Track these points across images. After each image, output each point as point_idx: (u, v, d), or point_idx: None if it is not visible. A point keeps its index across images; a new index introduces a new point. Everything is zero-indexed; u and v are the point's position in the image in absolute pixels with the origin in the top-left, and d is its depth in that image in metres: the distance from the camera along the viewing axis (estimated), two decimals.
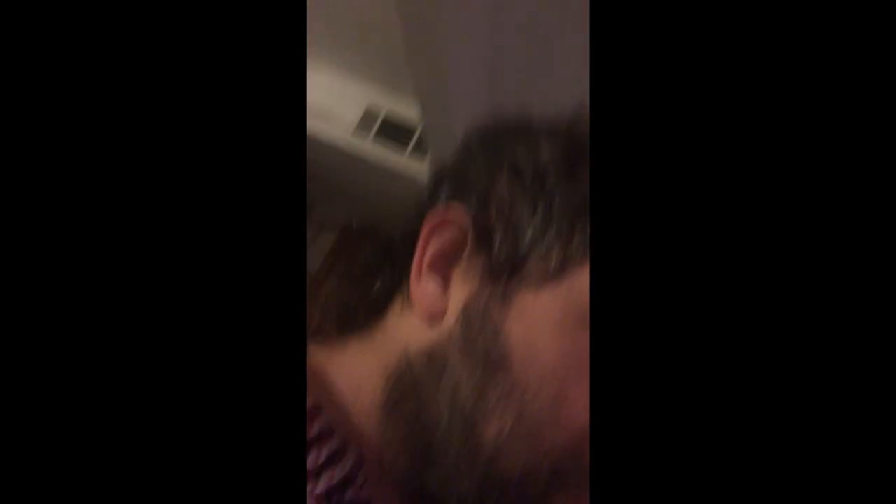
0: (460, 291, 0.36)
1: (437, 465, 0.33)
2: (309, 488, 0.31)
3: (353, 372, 0.37)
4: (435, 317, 0.36)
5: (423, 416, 0.34)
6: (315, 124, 1.42)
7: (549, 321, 0.33)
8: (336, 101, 1.45)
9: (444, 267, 0.37)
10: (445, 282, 0.37)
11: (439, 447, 0.33)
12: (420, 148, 1.37)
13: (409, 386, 0.35)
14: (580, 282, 0.33)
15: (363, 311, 0.41)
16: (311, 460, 0.32)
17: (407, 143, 1.38)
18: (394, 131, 1.41)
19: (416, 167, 1.36)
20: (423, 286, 0.37)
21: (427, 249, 0.37)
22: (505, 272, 0.35)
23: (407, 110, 1.40)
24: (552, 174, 0.36)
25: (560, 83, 0.77)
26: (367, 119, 1.43)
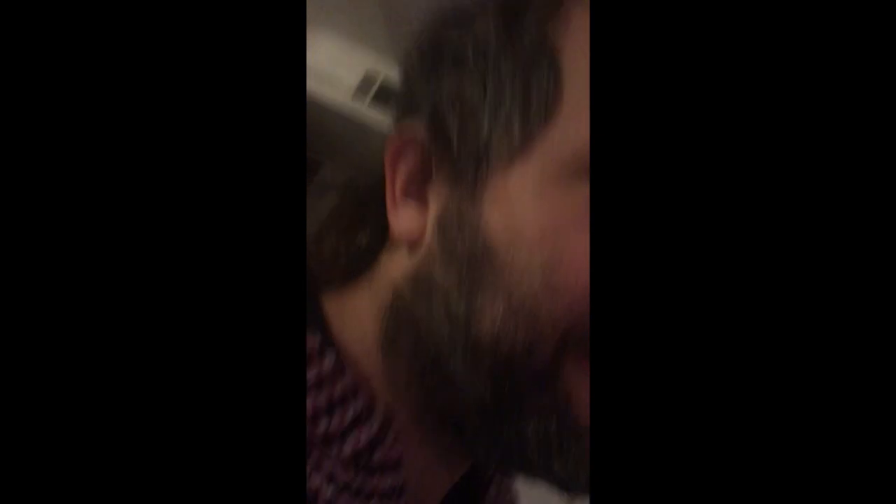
0: (435, 204, 0.35)
1: (447, 380, 0.32)
2: (334, 451, 0.31)
3: (354, 319, 0.36)
4: (416, 235, 0.35)
5: (423, 338, 0.33)
6: (316, 87, 1.48)
7: (525, 193, 0.32)
8: (337, 67, 1.51)
9: (416, 189, 0.36)
10: (422, 203, 0.35)
11: (445, 362, 0.32)
12: None
13: (403, 315, 0.34)
14: (550, 140, 0.32)
15: (357, 261, 0.40)
16: (337, 421, 0.32)
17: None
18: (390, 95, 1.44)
19: None
20: (400, 214, 0.35)
21: (395, 178, 0.36)
22: (470, 165, 0.33)
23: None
24: (493, 41, 0.34)
25: None
26: (365, 83, 1.49)
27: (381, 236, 0.39)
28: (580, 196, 0.30)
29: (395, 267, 0.36)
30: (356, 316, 0.37)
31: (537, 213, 0.31)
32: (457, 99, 0.34)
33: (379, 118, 1.40)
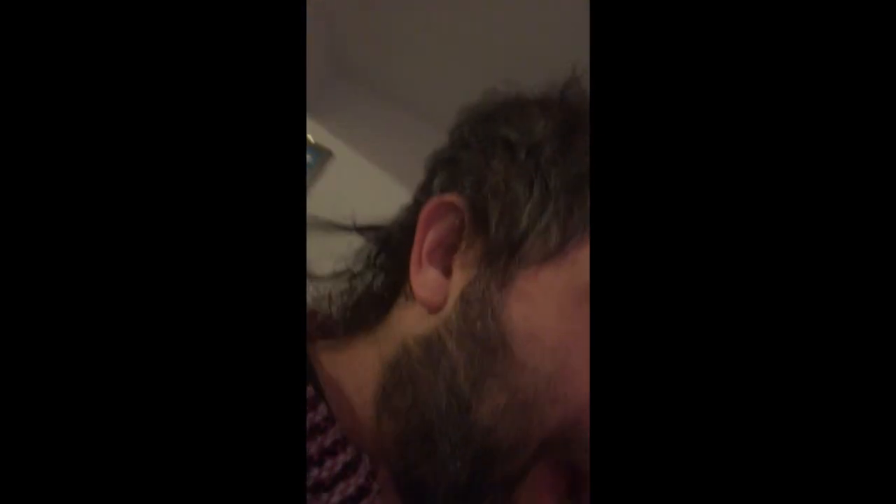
0: (460, 278, 0.35)
1: (432, 453, 0.33)
2: (324, 499, 0.31)
3: (355, 367, 0.37)
4: (436, 304, 0.35)
5: (420, 404, 0.33)
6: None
7: (551, 300, 0.33)
8: None
9: (443, 255, 0.37)
10: (446, 270, 0.36)
11: (436, 435, 0.33)
12: None
13: (405, 375, 0.35)
14: (582, 259, 0.33)
15: (366, 308, 0.41)
16: (326, 471, 0.32)
17: None
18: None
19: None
20: (422, 276, 0.36)
21: (425, 239, 0.37)
22: (503, 253, 0.34)
23: None
24: (547, 148, 0.35)
25: (553, 49, 0.73)
26: None
27: (395, 289, 0.39)
28: None
29: (408, 324, 0.36)
30: (357, 364, 0.37)
31: (558, 323, 0.32)
32: (502, 185, 0.35)
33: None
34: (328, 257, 0.42)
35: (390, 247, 0.41)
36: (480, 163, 0.37)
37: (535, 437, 0.32)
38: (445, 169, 0.39)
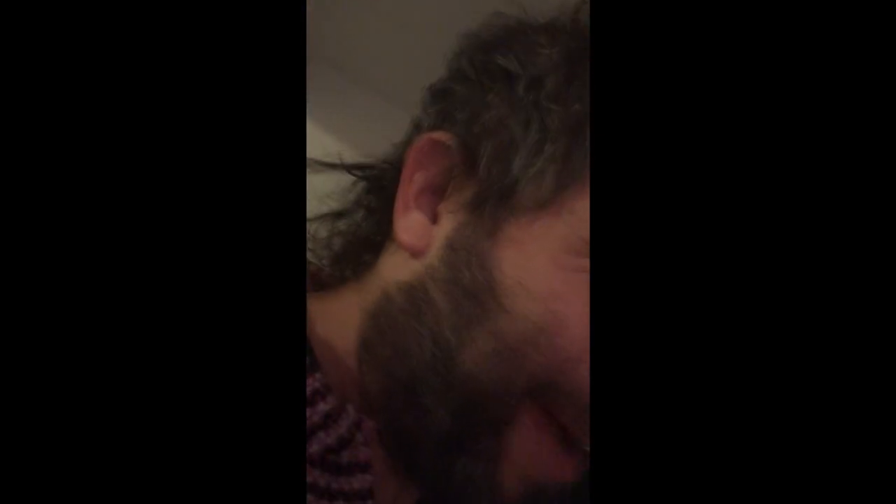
0: (447, 223, 0.34)
1: (415, 403, 0.32)
2: None
3: (340, 316, 0.36)
4: (419, 249, 0.34)
5: (402, 353, 0.33)
6: None
7: (543, 249, 0.32)
8: None
9: (430, 198, 0.35)
10: (432, 214, 0.35)
11: (418, 382, 0.32)
12: None
13: (386, 323, 0.34)
14: (580, 209, 0.31)
15: (356, 249, 0.40)
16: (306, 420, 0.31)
17: None
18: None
19: None
20: (407, 219, 0.35)
21: (412, 180, 0.35)
22: (493, 198, 0.33)
23: None
24: (549, 81, 0.33)
25: None
26: None
27: (386, 232, 0.37)
28: None
29: (390, 270, 0.35)
30: (341, 312, 0.36)
31: (549, 273, 0.31)
32: (498, 124, 0.33)
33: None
34: (314, 198, 0.40)
35: (381, 186, 0.39)
36: (476, 97, 0.35)
37: (520, 384, 0.31)
38: (439, 103, 0.37)
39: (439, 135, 0.35)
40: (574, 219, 0.31)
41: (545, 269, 0.31)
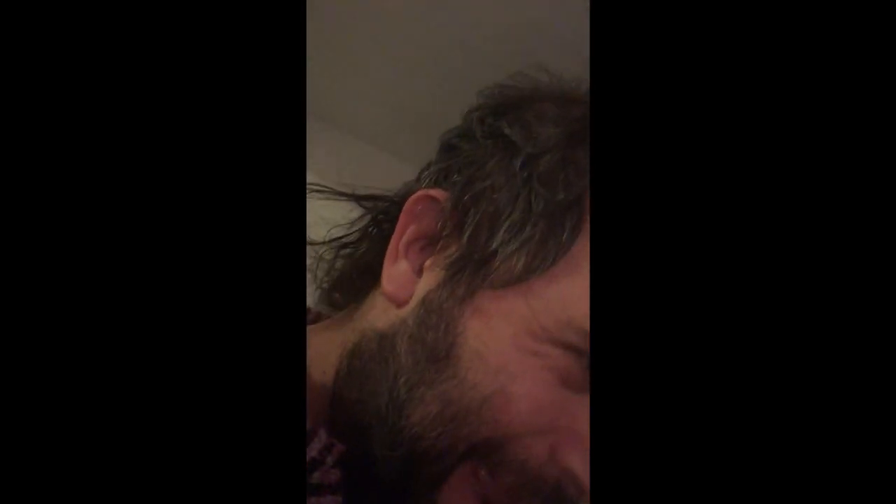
0: (428, 279, 0.35)
1: (370, 446, 0.34)
2: None
3: (324, 347, 0.37)
4: (400, 300, 0.36)
5: (365, 400, 0.34)
6: None
7: (506, 324, 0.33)
8: None
9: (419, 251, 0.36)
10: (417, 267, 0.36)
11: (373, 430, 0.34)
12: None
13: (356, 367, 0.36)
14: (544, 295, 0.33)
15: (357, 276, 0.41)
16: None
17: None
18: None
19: None
20: (394, 269, 0.36)
21: (404, 230, 0.36)
22: (470, 266, 0.34)
23: None
24: (545, 162, 0.34)
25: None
26: None
27: (380, 265, 0.38)
28: (554, 362, 0.32)
29: (375, 313, 0.37)
30: (326, 340, 0.37)
31: (506, 351, 0.33)
32: (490, 194, 0.34)
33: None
34: (322, 223, 0.41)
35: (387, 220, 0.40)
36: (478, 160, 0.36)
37: (459, 449, 0.33)
38: (445, 157, 0.38)
39: (435, 191, 0.36)
40: (538, 303, 0.33)
41: (503, 346, 0.33)
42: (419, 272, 0.36)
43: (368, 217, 0.42)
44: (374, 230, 0.41)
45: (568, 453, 0.32)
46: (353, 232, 0.42)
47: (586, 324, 0.31)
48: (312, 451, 0.33)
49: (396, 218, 0.39)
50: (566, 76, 0.38)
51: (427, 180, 0.38)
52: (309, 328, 0.39)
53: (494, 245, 0.34)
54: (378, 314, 0.37)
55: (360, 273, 0.41)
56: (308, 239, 0.41)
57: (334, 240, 0.42)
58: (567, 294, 0.32)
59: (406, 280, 0.36)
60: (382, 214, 0.41)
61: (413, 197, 0.36)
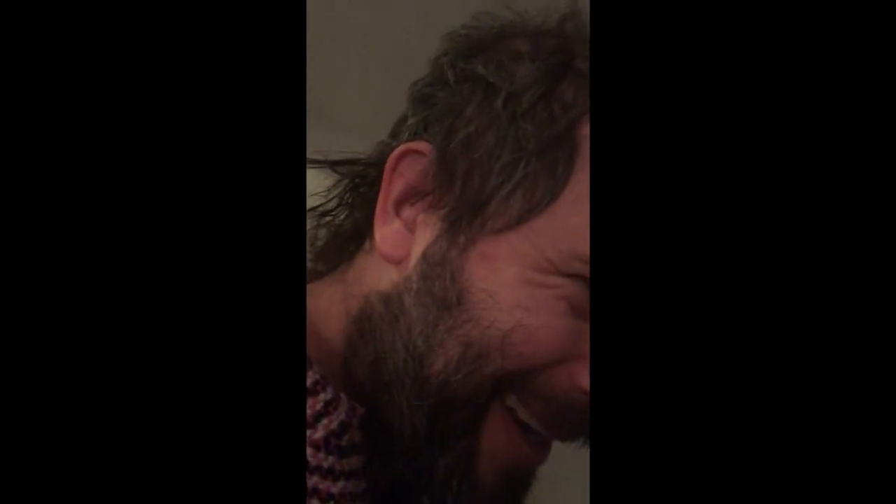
0: (423, 234, 0.36)
1: (392, 402, 0.34)
2: (308, 435, 0.32)
3: (326, 312, 0.37)
4: (397, 259, 0.36)
5: (380, 359, 0.35)
6: None
7: (512, 265, 0.33)
8: None
9: (408, 208, 0.36)
10: (410, 223, 0.36)
11: (394, 386, 0.34)
12: None
13: (366, 330, 0.36)
14: (544, 230, 0.33)
15: (339, 244, 0.40)
16: (308, 409, 0.33)
17: None
18: None
19: None
20: (386, 229, 0.36)
21: (391, 188, 0.36)
22: (466, 214, 0.34)
23: None
24: (527, 98, 0.34)
25: None
26: None
27: (366, 230, 0.38)
28: (563, 291, 0.33)
29: (372, 276, 0.37)
30: (328, 311, 0.38)
31: (517, 288, 0.33)
32: (475, 139, 0.34)
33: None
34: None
35: (365, 184, 0.40)
36: (455, 106, 0.35)
37: (487, 387, 0.34)
38: (419, 109, 0.37)
39: (417, 144, 0.36)
40: (540, 239, 0.33)
41: (513, 284, 0.33)
42: (412, 229, 0.36)
43: (345, 182, 0.41)
44: (352, 195, 0.41)
45: (585, 377, 0.33)
46: (331, 199, 0.41)
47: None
48: (342, 415, 0.34)
49: (374, 180, 0.38)
50: (530, 11, 0.37)
51: (405, 134, 0.37)
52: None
53: (488, 189, 0.34)
54: (376, 276, 0.37)
55: (343, 240, 0.40)
56: None
57: (311, 209, 0.41)
58: (570, 226, 0.33)
59: (401, 238, 0.36)
60: (359, 178, 0.40)
61: (395, 153, 0.36)
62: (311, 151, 0.40)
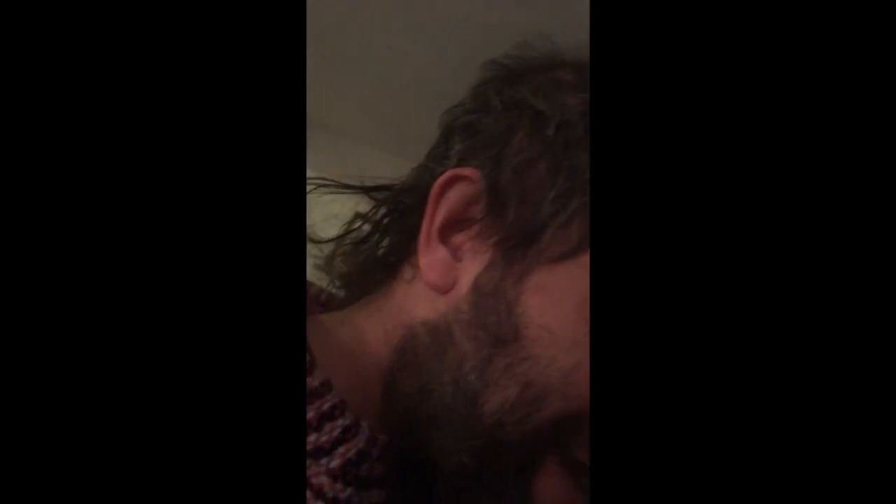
0: (471, 263, 0.34)
1: (437, 438, 0.33)
2: (324, 462, 0.31)
3: (361, 340, 0.36)
4: (444, 288, 0.34)
5: (426, 392, 0.33)
6: None
7: (570, 296, 0.32)
8: None
9: (454, 235, 0.35)
10: (456, 251, 0.35)
11: (441, 421, 0.33)
12: None
13: (412, 360, 0.34)
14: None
15: (372, 273, 0.40)
16: (325, 435, 0.31)
17: None
18: None
19: None
20: (431, 256, 0.35)
21: (436, 215, 0.35)
22: (521, 243, 0.33)
23: None
24: (580, 128, 0.33)
25: None
26: None
27: (401, 257, 0.38)
28: None
29: (415, 305, 0.36)
30: (363, 339, 0.36)
31: (577, 319, 0.31)
32: (527, 166, 0.33)
33: None
34: (332, 220, 0.39)
35: (400, 209, 0.39)
36: (504, 134, 0.35)
37: (546, 429, 0.32)
38: (463, 136, 0.37)
39: (464, 170, 0.35)
40: None
41: (571, 318, 0.32)
42: (459, 257, 0.35)
43: (381, 208, 0.40)
44: (389, 221, 0.40)
45: None
46: (366, 225, 0.40)
47: None
48: (360, 443, 0.32)
49: (409, 206, 0.37)
50: (570, 42, 0.37)
51: (453, 161, 0.36)
52: (333, 316, 0.38)
53: (542, 218, 0.33)
54: (420, 304, 0.35)
55: (374, 267, 0.40)
56: (318, 237, 0.40)
57: (343, 235, 0.41)
58: None
59: (447, 266, 0.34)
60: (395, 203, 0.40)
61: (441, 180, 0.35)
62: (344, 176, 0.40)
